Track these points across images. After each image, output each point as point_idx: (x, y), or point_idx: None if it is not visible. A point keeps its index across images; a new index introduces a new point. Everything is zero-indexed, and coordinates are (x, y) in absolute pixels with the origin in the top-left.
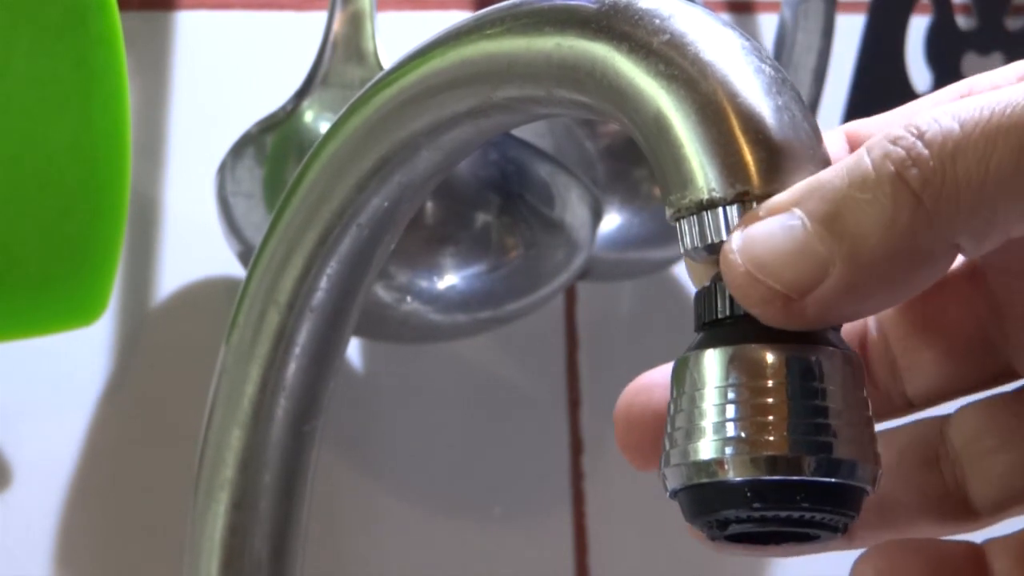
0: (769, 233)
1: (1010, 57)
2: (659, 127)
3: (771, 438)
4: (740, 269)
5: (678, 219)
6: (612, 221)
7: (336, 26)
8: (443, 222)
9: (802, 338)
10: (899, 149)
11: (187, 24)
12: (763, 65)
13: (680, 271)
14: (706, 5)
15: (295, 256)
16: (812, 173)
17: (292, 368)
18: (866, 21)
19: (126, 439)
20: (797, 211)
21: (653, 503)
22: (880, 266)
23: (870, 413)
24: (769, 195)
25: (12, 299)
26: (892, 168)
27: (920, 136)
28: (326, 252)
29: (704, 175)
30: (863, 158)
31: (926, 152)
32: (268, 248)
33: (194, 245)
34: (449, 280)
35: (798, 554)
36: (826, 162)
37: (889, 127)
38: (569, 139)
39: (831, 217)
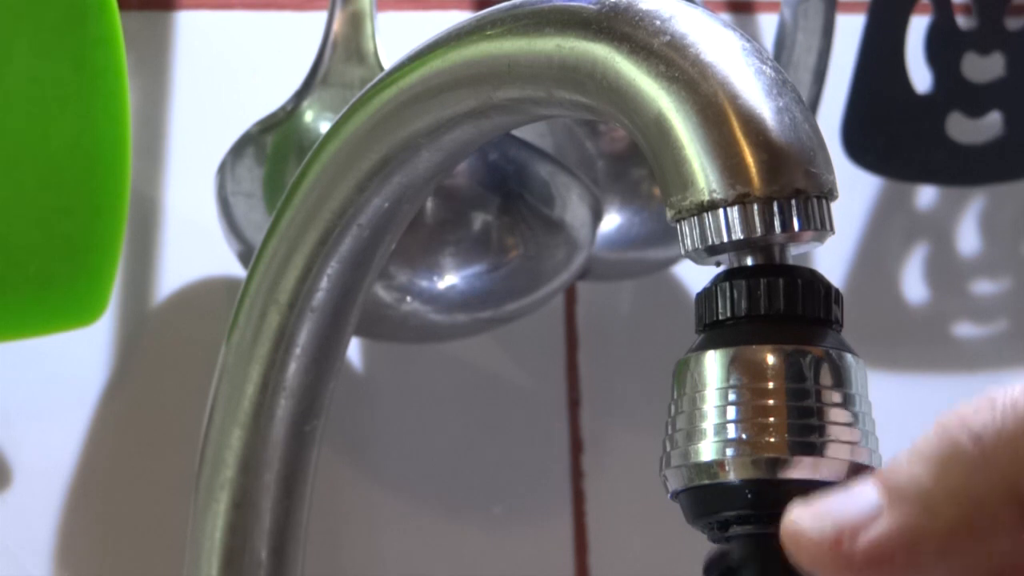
0: None
1: (1010, 57)
2: (660, 128)
3: (772, 440)
4: None
5: (679, 220)
6: (612, 221)
7: (336, 26)
8: (443, 222)
9: (803, 339)
10: None
11: (187, 24)
12: (764, 66)
13: (680, 271)
14: (706, 5)
15: (296, 256)
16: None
17: (293, 368)
18: (866, 21)
19: (126, 439)
20: None
21: (653, 503)
22: None
23: (871, 414)
24: (769, 196)
25: (12, 299)
26: None
27: None
28: (327, 252)
29: (705, 177)
30: None
31: None
32: (269, 248)
33: (194, 245)
34: (449, 280)
35: None
36: (827, 163)
37: None
38: (569, 139)
39: None
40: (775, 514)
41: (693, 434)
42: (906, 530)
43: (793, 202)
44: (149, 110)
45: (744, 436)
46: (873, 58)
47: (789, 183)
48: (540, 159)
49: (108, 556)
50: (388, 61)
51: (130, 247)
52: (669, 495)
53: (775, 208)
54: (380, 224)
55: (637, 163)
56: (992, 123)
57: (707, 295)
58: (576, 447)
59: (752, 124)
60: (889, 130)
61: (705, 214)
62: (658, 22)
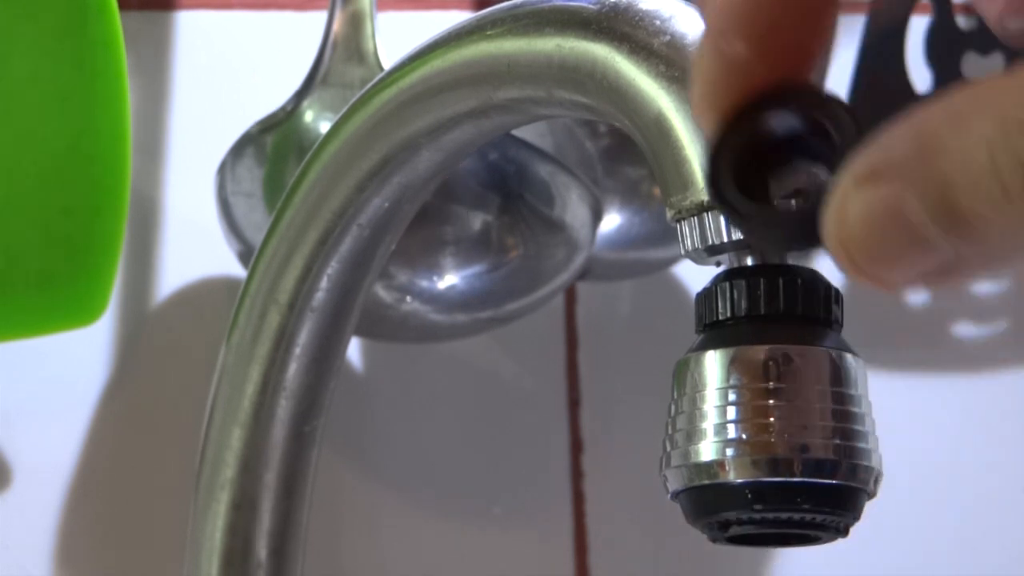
0: None
1: (1010, 57)
2: (660, 128)
3: (772, 440)
4: None
5: (679, 220)
6: (612, 221)
7: (336, 26)
8: (443, 222)
9: (804, 339)
10: None
11: (187, 24)
12: None
13: (680, 271)
14: None
15: (296, 256)
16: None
17: (293, 368)
18: (866, 21)
19: (126, 439)
20: None
21: (653, 503)
22: None
23: (871, 414)
24: None
25: (12, 299)
26: None
27: None
28: (327, 252)
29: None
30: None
31: None
32: (269, 248)
33: (194, 245)
34: (449, 280)
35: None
36: None
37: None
38: (569, 139)
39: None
40: (776, 515)
41: (693, 434)
42: None
43: (793, 202)
44: (149, 110)
45: (744, 436)
46: (873, 58)
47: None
48: (540, 159)
49: (108, 556)
50: (388, 61)
51: (130, 247)
52: (669, 495)
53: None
54: (380, 224)
55: (637, 163)
56: None
57: (707, 295)
58: (576, 447)
59: None
60: None
61: (705, 214)
62: (658, 22)
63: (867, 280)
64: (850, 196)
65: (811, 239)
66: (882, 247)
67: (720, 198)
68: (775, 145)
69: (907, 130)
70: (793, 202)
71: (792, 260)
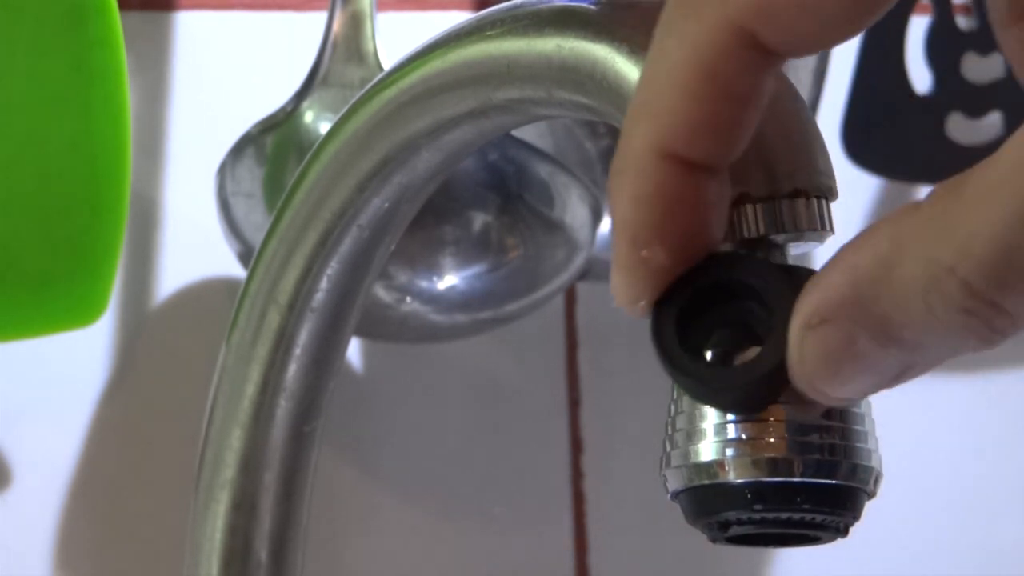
0: None
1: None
2: None
3: (771, 440)
4: None
5: None
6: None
7: (336, 26)
8: (443, 222)
9: None
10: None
11: (187, 24)
12: None
13: None
14: None
15: (296, 256)
16: (811, 172)
17: (292, 368)
18: None
19: (126, 439)
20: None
21: (653, 503)
22: None
23: (871, 414)
24: (769, 196)
25: (12, 299)
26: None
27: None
28: (326, 253)
29: None
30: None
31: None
32: (268, 248)
33: (194, 245)
34: (449, 280)
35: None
36: (827, 163)
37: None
38: (569, 139)
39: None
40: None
41: (693, 434)
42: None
43: (793, 202)
44: (149, 110)
45: (744, 436)
46: (873, 58)
47: (789, 183)
48: (540, 159)
49: (108, 556)
50: (388, 61)
51: (130, 247)
52: (669, 495)
53: (775, 208)
54: (380, 224)
55: None
56: (992, 123)
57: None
58: (576, 447)
59: None
60: (889, 130)
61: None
62: None
63: (835, 402)
64: (804, 339)
65: (765, 395)
66: (841, 375)
67: (675, 370)
68: (710, 305)
69: (842, 273)
70: (737, 361)
71: (792, 260)
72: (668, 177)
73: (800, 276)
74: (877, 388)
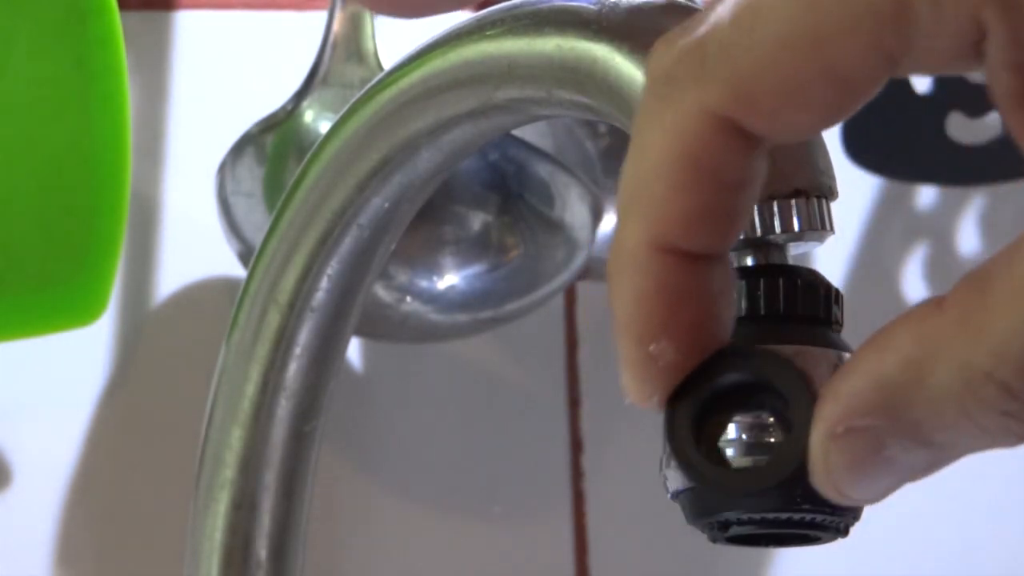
0: None
1: None
2: None
3: (772, 439)
4: None
5: None
6: (612, 221)
7: (336, 26)
8: (443, 222)
9: (804, 340)
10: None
11: (187, 24)
12: None
13: None
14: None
15: (296, 256)
16: (811, 172)
17: (292, 368)
18: None
19: (126, 439)
20: None
21: (653, 503)
22: None
23: None
24: (769, 196)
25: (12, 299)
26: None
27: None
28: (327, 252)
29: None
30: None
31: None
32: (269, 248)
33: (194, 245)
34: (449, 280)
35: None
36: (827, 163)
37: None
38: (569, 139)
39: None
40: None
41: None
42: None
43: (793, 202)
44: (149, 110)
45: (744, 436)
46: None
47: (789, 183)
48: (540, 159)
49: (108, 556)
50: (388, 61)
51: (130, 247)
52: (669, 495)
53: (775, 208)
54: (380, 224)
55: None
56: (992, 123)
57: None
58: (576, 447)
59: None
60: (889, 130)
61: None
62: None
63: (856, 503)
64: (829, 448)
65: (786, 498)
66: (867, 480)
67: (692, 473)
68: (723, 401)
69: (867, 380)
70: (752, 461)
71: (792, 260)
72: (668, 271)
73: (813, 374)
74: (901, 485)
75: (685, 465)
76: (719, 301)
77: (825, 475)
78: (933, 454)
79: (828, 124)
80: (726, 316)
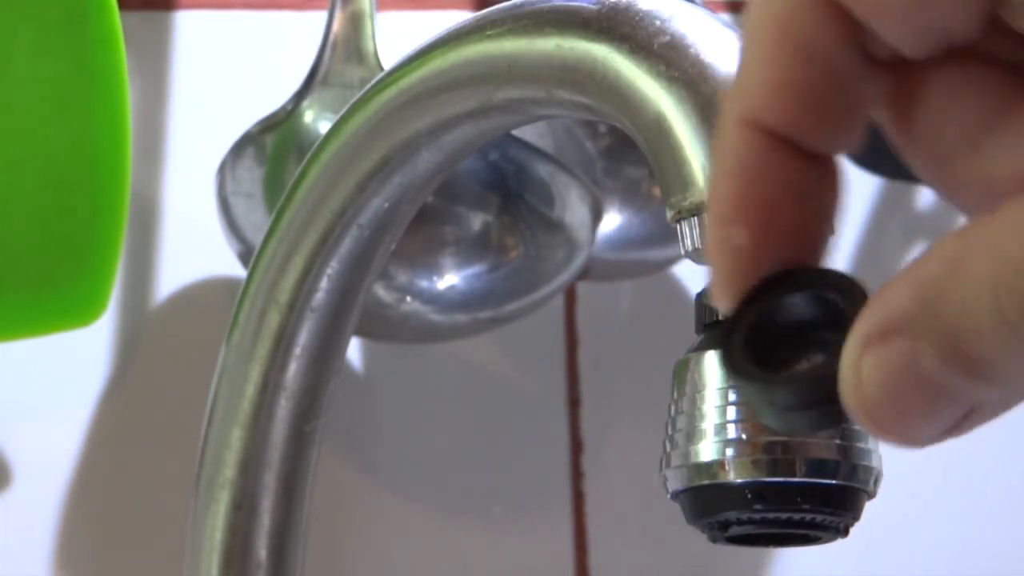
0: None
1: None
2: (660, 128)
3: (772, 440)
4: None
5: (679, 220)
6: (612, 221)
7: (336, 26)
8: (443, 222)
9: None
10: None
11: (187, 24)
12: None
13: (680, 271)
14: (706, 5)
15: (296, 256)
16: None
17: (292, 368)
18: None
19: (126, 439)
20: None
21: (653, 503)
22: None
23: None
24: None
25: (12, 299)
26: None
27: None
28: (327, 252)
29: (705, 176)
30: None
31: None
32: (269, 248)
33: (194, 245)
34: (449, 280)
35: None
36: None
37: None
38: (569, 139)
39: None
40: (776, 515)
41: (693, 434)
42: None
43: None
44: (149, 110)
45: (744, 436)
46: None
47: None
48: (540, 159)
49: (108, 556)
50: (388, 61)
51: (130, 247)
52: (669, 495)
53: None
54: (380, 224)
55: (637, 163)
56: None
57: (707, 295)
58: (576, 447)
59: None
60: None
61: (705, 214)
62: (658, 22)
63: (894, 440)
64: (863, 360)
65: (829, 403)
66: (904, 405)
67: (737, 373)
68: (787, 322)
69: (906, 284)
70: (806, 365)
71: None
72: (750, 149)
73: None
74: (939, 430)
75: (734, 371)
76: (808, 204)
77: (857, 392)
78: (971, 387)
79: (921, 38)
80: (814, 225)
